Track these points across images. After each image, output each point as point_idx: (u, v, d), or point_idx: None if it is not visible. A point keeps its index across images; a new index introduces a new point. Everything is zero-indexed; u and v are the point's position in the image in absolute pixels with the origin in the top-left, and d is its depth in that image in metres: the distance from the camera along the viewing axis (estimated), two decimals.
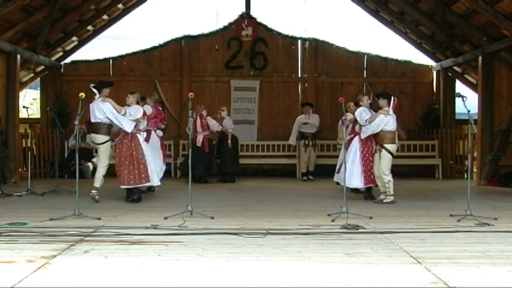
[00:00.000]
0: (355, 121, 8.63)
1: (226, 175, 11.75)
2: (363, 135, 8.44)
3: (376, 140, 8.38)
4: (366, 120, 8.31)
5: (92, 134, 8.71)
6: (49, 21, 11.47)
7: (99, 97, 8.41)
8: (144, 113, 8.36)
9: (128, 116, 8.14)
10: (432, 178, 13.06)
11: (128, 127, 8.17)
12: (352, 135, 8.73)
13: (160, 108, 10.34)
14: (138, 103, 8.47)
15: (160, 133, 9.81)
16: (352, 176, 8.40)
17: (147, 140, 8.67)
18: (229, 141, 11.64)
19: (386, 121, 8.21)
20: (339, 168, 9.02)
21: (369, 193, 8.69)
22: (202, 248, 5.00)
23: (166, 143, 11.63)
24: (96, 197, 8.28)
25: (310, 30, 24.09)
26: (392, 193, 8.24)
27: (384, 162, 8.20)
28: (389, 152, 8.20)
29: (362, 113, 8.41)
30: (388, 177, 8.20)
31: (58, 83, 13.66)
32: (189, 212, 6.67)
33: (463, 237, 5.60)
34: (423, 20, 12.61)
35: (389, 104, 8.32)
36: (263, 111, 13.97)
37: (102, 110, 8.30)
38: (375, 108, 8.71)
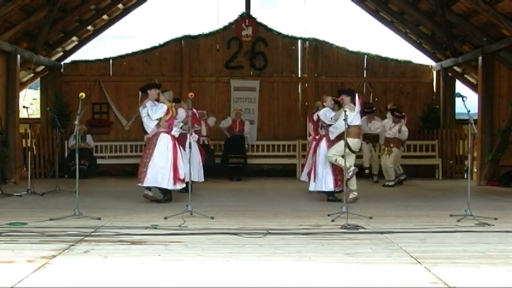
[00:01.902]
0: (319, 122, 8.51)
1: (233, 174, 12.15)
2: (332, 136, 8.32)
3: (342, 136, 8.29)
4: (331, 118, 8.25)
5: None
6: (49, 21, 11.47)
7: (147, 100, 8.18)
8: (168, 111, 7.99)
9: (150, 117, 7.99)
10: (432, 178, 13.06)
11: (148, 129, 8.09)
12: (318, 137, 8.63)
13: (194, 110, 10.29)
14: (169, 101, 8.20)
15: (196, 137, 9.76)
16: (324, 179, 8.35)
17: (181, 143, 8.47)
18: (246, 145, 12.40)
19: (352, 117, 8.06)
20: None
21: (332, 195, 8.51)
22: (202, 248, 4.99)
23: None
24: (150, 194, 8.26)
25: (310, 30, 24.06)
26: (347, 166, 7.78)
27: (334, 147, 8.16)
28: (348, 146, 7.97)
29: (326, 113, 8.32)
30: (334, 157, 8.09)
31: (58, 83, 13.67)
32: (189, 212, 6.67)
33: (463, 237, 5.60)
34: (423, 20, 12.61)
35: (353, 101, 8.23)
36: (263, 111, 13.97)
37: None
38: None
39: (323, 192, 8.51)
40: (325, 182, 8.36)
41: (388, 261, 4.55)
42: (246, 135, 12.34)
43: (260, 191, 10.24)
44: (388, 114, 11.52)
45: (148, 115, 8.00)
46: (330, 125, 8.32)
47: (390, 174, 11.08)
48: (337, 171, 8.30)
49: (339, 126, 8.11)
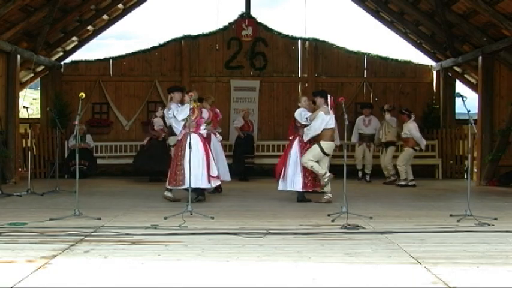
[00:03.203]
0: (295, 122, 8.52)
1: (248, 175, 12.33)
2: (305, 138, 8.31)
3: (316, 138, 8.29)
4: (306, 119, 8.26)
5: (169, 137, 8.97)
6: (49, 21, 11.47)
7: (171, 102, 8.30)
8: (193, 110, 7.97)
9: (177, 119, 8.05)
10: (432, 178, 13.06)
11: (177, 131, 8.13)
12: (292, 137, 8.63)
13: (217, 110, 10.27)
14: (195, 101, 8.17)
15: (220, 137, 9.77)
16: (294, 179, 8.36)
17: (208, 143, 8.45)
18: (255, 144, 12.69)
19: (327, 120, 8.11)
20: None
21: (302, 195, 8.52)
22: (202, 248, 5.00)
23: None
24: (170, 195, 8.28)
25: (310, 30, 24.14)
26: (322, 173, 8.04)
27: (310, 152, 8.15)
28: (321, 149, 8.11)
29: (302, 113, 8.35)
30: (310, 163, 8.09)
31: (58, 83, 13.66)
32: (189, 212, 6.67)
33: (463, 237, 5.60)
34: (423, 20, 12.61)
35: (326, 103, 8.22)
36: (263, 111, 13.97)
37: None
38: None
39: (292, 191, 8.56)
40: (294, 182, 8.37)
41: (388, 261, 4.55)
42: (253, 134, 12.55)
43: (260, 191, 10.24)
44: (387, 116, 11.46)
45: (174, 117, 8.03)
46: (305, 125, 8.33)
47: (401, 173, 11.09)
48: (308, 173, 8.32)
49: (314, 128, 8.15)
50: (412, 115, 11.30)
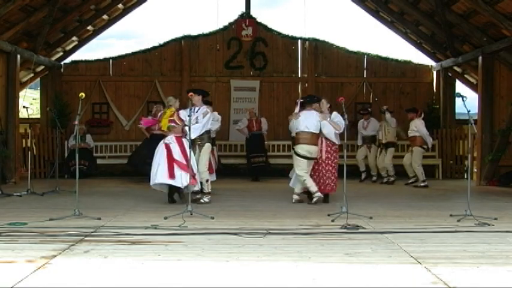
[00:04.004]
0: None
1: (257, 174, 12.31)
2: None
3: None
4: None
5: None
6: (49, 21, 11.48)
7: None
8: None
9: None
10: (432, 178, 13.04)
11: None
12: None
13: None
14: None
15: None
16: (296, 179, 8.47)
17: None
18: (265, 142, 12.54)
19: (296, 124, 8.32)
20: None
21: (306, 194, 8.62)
22: (202, 248, 5.00)
23: None
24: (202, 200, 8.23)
25: (310, 30, 24.16)
26: (315, 190, 8.09)
27: (294, 163, 8.31)
28: (295, 152, 8.25)
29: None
30: (303, 177, 8.17)
31: (58, 83, 13.66)
32: (189, 212, 6.67)
33: (463, 237, 5.60)
34: (423, 20, 12.62)
35: (300, 108, 8.40)
36: (263, 111, 13.93)
37: None
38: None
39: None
40: (293, 179, 8.57)
41: (388, 261, 4.55)
42: (264, 133, 12.35)
43: (260, 191, 10.24)
44: (387, 116, 11.49)
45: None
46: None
47: (418, 174, 11.04)
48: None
49: (292, 132, 8.47)
50: (422, 112, 11.42)
